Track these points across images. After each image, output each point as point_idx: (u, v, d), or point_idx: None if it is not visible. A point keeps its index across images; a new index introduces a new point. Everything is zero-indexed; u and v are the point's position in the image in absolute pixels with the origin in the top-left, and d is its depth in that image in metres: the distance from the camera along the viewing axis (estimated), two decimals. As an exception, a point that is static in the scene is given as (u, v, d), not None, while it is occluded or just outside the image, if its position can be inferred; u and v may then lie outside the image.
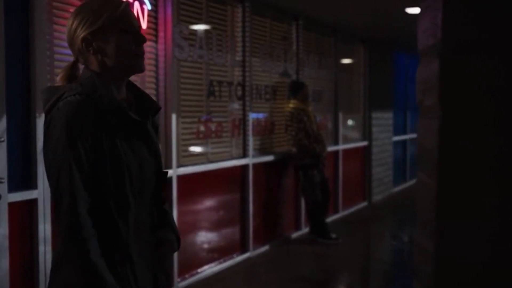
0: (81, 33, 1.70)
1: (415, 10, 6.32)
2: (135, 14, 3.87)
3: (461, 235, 1.01)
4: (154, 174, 1.79)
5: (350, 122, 8.18)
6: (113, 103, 1.68)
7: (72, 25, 1.73)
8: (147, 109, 1.82)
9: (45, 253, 3.44)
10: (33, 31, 3.39)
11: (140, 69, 1.76)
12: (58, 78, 1.77)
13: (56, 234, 1.70)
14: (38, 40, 3.40)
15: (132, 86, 1.85)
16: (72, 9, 3.68)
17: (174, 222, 1.95)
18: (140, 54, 1.75)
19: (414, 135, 11.74)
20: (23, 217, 3.39)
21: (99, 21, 1.70)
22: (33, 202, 3.41)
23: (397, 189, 10.25)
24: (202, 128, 5.08)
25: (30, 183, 3.40)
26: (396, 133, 10.33)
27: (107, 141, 1.64)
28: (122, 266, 1.67)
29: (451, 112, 1.01)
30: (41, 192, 3.41)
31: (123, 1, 1.77)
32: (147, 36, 4.39)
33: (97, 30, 1.70)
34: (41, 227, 3.42)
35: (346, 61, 8.28)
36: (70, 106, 1.61)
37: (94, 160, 1.62)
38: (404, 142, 11.04)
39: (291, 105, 6.31)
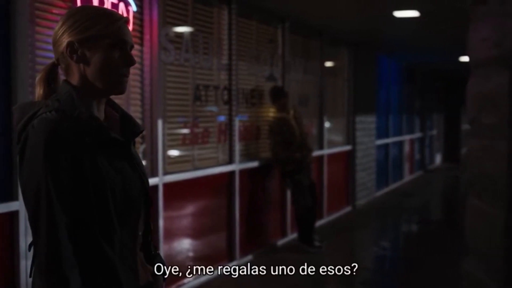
0: (68, 37, 1.56)
1: (403, 14, 6.24)
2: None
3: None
4: (139, 195, 1.64)
5: (327, 125, 8.00)
6: (92, 122, 1.54)
7: (62, 25, 1.58)
8: (129, 130, 1.69)
9: (26, 267, 3.27)
10: (14, 34, 3.20)
11: (121, 90, 1.62)
12: (37, 79, 1.63)
13: (32, 263, 1.54)
14: (19, 43, 3.22)
15: (115, 106, 1.72)
16: (55, 10, 3.51)
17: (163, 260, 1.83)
18: (125, 75, 1.61)
19: (396, 139, 11.72)
20: (3, 230, 3.23)
21: (91, 30, 1.55)
22: (13, 215, 3.25)
23: (380, 193, 10.20)
24: (188, 133, 4.92)
25: (10, 195, 3.23)
26: (379, 137, 10.28)
27: (88, 160, 1.49)
28: None
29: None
30: (22, 204, 3.21)
31: (123, 16, 1.62)
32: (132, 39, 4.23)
33: (87, 38, 1.55)
34: (22, 240, 3.26)
35: (331, 64, 8.18)
36: (47, 124, 1.47)
37: (74, 180, 1.47)
38: (386, 146, 11.00)
39: (271, 113, 6.16)
